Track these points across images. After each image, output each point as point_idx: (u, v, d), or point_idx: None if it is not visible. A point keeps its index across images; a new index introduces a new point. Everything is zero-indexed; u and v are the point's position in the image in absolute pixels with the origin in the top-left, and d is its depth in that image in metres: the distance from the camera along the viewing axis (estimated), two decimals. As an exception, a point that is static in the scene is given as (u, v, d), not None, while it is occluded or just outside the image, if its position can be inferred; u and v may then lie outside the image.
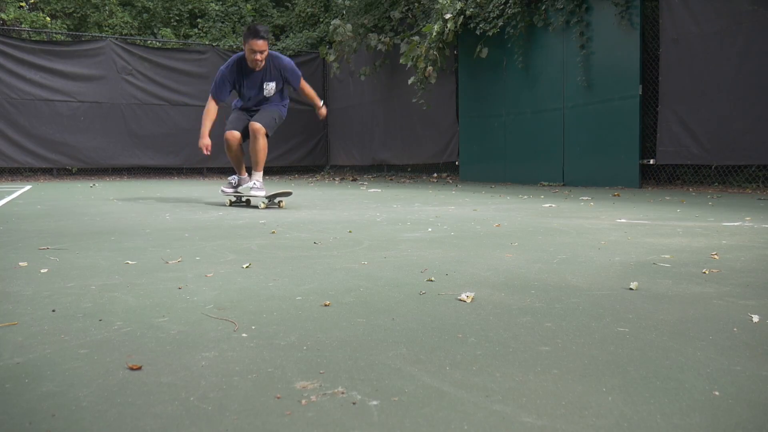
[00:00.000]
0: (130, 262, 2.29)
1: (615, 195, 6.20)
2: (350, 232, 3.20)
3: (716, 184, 7.07)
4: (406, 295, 1.67)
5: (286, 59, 5.20)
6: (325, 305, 1.56)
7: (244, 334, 1.30)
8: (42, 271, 2.12)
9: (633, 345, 1.20)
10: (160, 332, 1.32)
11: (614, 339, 1.24)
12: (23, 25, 14.33)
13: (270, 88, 5.16)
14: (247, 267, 2.15)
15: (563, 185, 8.27)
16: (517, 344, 1.21)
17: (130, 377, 1.04)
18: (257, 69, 5.01)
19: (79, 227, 3.56)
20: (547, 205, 4.91)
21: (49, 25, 14.85)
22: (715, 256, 2.26)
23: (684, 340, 1.23)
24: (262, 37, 4.91)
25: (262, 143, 5.13)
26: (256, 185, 5.08)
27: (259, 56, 4.93)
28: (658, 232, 3.06)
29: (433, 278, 1.90)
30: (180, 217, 4.19)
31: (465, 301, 1.58)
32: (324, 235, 3.08)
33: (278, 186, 8.77)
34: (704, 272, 1.96)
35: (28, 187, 9.56)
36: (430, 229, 3.27)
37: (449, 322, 1.38)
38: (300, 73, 5.27)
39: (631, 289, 1.72)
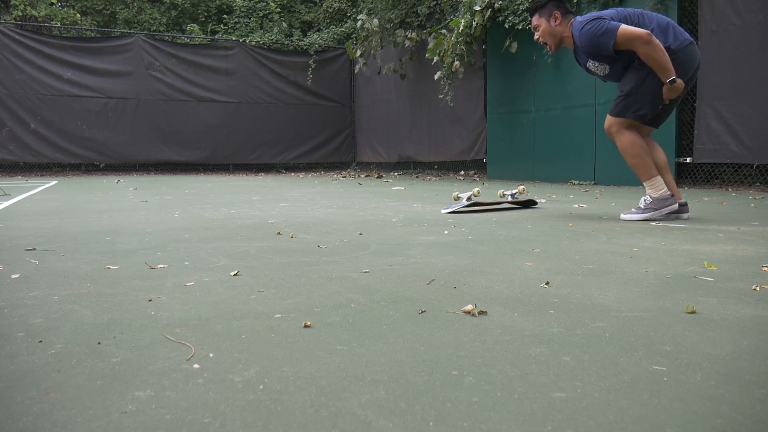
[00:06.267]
0: (111, 267, 2.10)
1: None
2: (360, 234, 2.98)
3: (758, 184, 6.67)
4: (403, 315, 1.44)
5: (577, 25, 3.49)
6: (305, 326, 1.33)
7: (196, 365, 1.08)
8: (13, 276, 1.94)
9: (673, 392, 0.95)
10: (100, 360, 1.11)
11: (649, 382, 0.99)
12: (54, 22, 14.42)
13: (593, 68, 3.63)
14: (234, 275, 1.94)
15: (594, 184, 7.93)
16: (524, 387, 0.97)
17: (30, 426, 0.83)
18: (549, 50, 3.80)
19: (79, 226, 3.41)
20: (576, 205, 4.62)
21: (79, 22, 14.92)
22: (766, 269, 1.98)
23: (738, 386, 0.97)
24: (532, 13, 3.78)
25: (619, 143, 3.56)
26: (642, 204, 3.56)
27: (537, 36, 3.74)
28: (697, 237, 2.77)
29: (438, 292, 1.67)
30: (189, 215, 4.02)
31: (469, 322, 1.35)
32: (331, 237, 2.86)
33: (303, 183, 8.59)
34: (755, 289, 1.69)
35: (53, 183, 9.55)
36: (446, 232, 3.02)
37: (446, 353, 1.15)
38: (599, 34, 3.37)
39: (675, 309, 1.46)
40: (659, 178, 3.50)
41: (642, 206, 3.54)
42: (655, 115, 3.57)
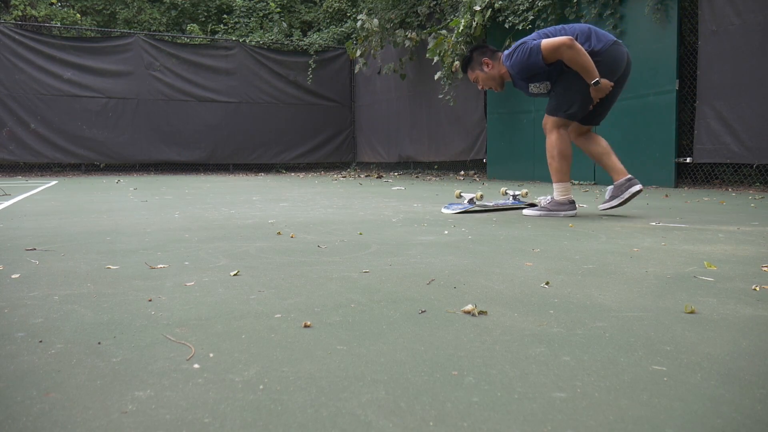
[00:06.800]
0: (111, 267, 2.10)
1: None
2: (360, 234, 2.98)
3: (758, 184, 6.68)
4: (403, 315, 1.44)
5: (506, 60, 3.72)
6: (305, 326, 1.34)
7: (196, 365, 1.08)
8: (13, 276, 1.94)
9: (673, 393, 0.95)
10: (100, 360, 1.11)
11: (648, 382, 0.99)
12: (54, 22, 14.42)
13: (536, 90, 3.79)
14: (234, 275, 1.94)
15: (594, 184, 7.94)
16: (524, 387, 0.97)
17: (30, 426, 0.83)
18: (496, 91, 4.02)
19: (79, 226, 3.41)
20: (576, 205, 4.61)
21: (79, 22, 14.92)
22: (766, 269, 1.98)
23: (738, 387, 0.97)
24: (464, 70, 3.99)
25: (547, 141, 3.80)
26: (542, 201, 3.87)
27: (480, 86, 3.96)
28: (697, 237, 2.77)
29: (438, 292, 1.67)
30: (189, 215, 4.02)
31: (469, 322, 1.35)
32: (331, 237, 2.86)
33: (305, 184, 8.57)
34: (755, 289, 1.69)
35: (53, 183, 9.55)
36: (446, 232, 3.02)
37: (446, 353, 1.15)
38: (527, 57, 3.55)
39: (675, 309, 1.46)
40: (569, 185, 3.77)
41: (542, 204, 3.81)
42: (590, 113, 3.77)
